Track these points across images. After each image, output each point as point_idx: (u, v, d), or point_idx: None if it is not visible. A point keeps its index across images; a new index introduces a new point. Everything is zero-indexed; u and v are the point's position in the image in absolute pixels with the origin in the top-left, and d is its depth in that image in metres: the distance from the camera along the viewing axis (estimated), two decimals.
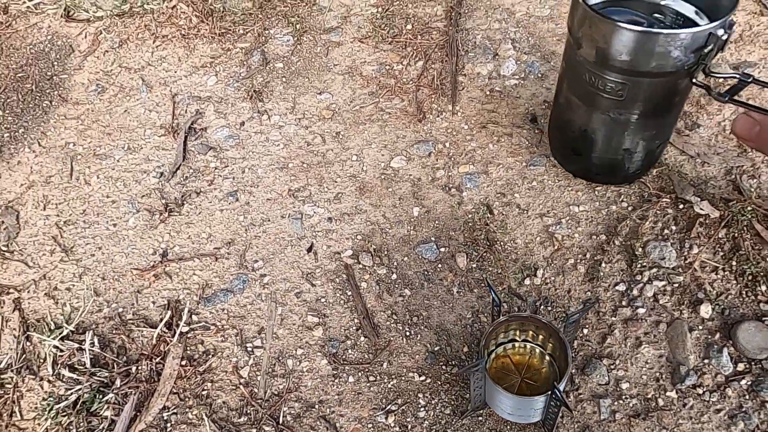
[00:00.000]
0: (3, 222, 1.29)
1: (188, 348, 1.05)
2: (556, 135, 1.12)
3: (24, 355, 1.08)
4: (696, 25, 0.93)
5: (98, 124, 1.46)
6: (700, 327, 0.98)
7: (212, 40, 1.60)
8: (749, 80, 0.84)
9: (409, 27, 1.53)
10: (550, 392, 0.80)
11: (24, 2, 1.77)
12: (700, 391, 0.93)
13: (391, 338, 1.04)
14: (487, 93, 1.36)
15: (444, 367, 1.00)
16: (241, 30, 1.61)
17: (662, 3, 0.97)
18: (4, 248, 1.25)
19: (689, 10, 0.95)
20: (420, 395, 0.98)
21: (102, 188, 1.32)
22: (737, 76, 0.86)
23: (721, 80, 1.25)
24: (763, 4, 1.38)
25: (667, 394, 0.93)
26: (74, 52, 1.65)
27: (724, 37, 0.80)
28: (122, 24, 1.68)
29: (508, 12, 1.52)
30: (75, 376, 1.02)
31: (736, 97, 0.83)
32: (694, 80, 0.87)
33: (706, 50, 0.81)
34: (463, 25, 1.51)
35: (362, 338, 1.04)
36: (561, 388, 0.79)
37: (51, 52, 1.66)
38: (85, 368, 1.03)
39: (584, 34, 0.88)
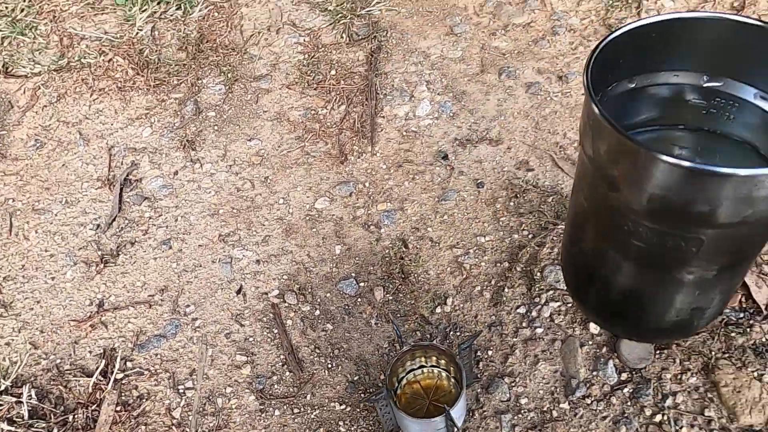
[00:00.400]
0: None
1: (123, 394, 1.11)
2: (583, 288, 0.85)
3: None
4: (762, 111, 0.71)
5: (37, 179, 1.52)
6: (590, 342, 1.09)
7: (147, 92, 1.68)
8: None
9: (333, 73, 1.64)
10: (445, 414, 0.89)
11: None
12: (589, 401, 1.03)
13: (315, 371, 1.12)
14: (404, 133, 1.47)
15: (363, 395, 1.09)
16: (175, 81, 1.70)
17: (705, 85, 0.74)
18: None
19: (748, 93, 0.72)
20: (341, 423, 1.06)
21: (40, 243, 1.38)
22: None
23: None
24: None
25: (561, 405, 1.03)
26: (13, 108, 1.71)
27: None
28: (60, 79, 1.75)
29: (423, 55, 1.63)
30: (13, 428, 1.07)
31: None
32: None
33: None
34: (382, 69, 1.62)
35: (287, 373, 1.12)
36: (453, 412, 0.89)
37: None
38: (24, 421, 1.08)
39: (624, 174, 0.62)
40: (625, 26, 0.68)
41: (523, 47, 1.60)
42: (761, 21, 0.67)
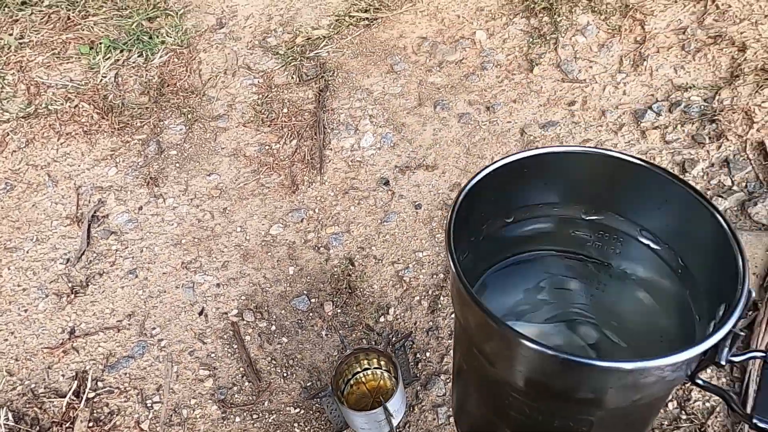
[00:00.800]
0: None
1: (95, 411, 1.21)
2: None
3: None
4: (647, 247, 0.68)
5: (8, 220, 1.62)
6: None
7: (112, 134, 1.80)
8: None
9: (285, 110, 1.79)
10: (382, 406, 1.02)
11: None
12: None
13: (272, 380, 1.24)
14: (349, 163, 1.62)
15: (315, 398, 1.21)
16: (138, 123, 1.82)
17: (586, 218, 0.71)
18: None
19: (632, 229, 0.69)
20: (296, 424, 1.18)
21: (13, 278, 1.47)
22: (758, 355, 0.58)
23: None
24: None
25: None
26: None
27: (737, 331, 0.53)
28: (28, 125, 1.86)
29: (367, 92, 1.80)
30: None
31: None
32: (701, 383, 0.57)
33: (720, 353, 0.53)
34: (329, 105, 1.78)
35: (247, 383, 1.24)
36: (389, 405, 1.02)
37: None
38: None
39: (497, 352, 0.58)
40: (490, 165, 0.64)
41: (455, 82, 1.78)
42: (638, 158, 0.64)
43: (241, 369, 1.26)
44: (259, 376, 1.24)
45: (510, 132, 1.62)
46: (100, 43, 2.10)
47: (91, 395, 1.23)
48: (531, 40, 1.83)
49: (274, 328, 1.32)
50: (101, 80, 1.96)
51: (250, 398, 1.22)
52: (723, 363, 0.52)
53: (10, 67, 2.08)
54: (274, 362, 1.27)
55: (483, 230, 0.70)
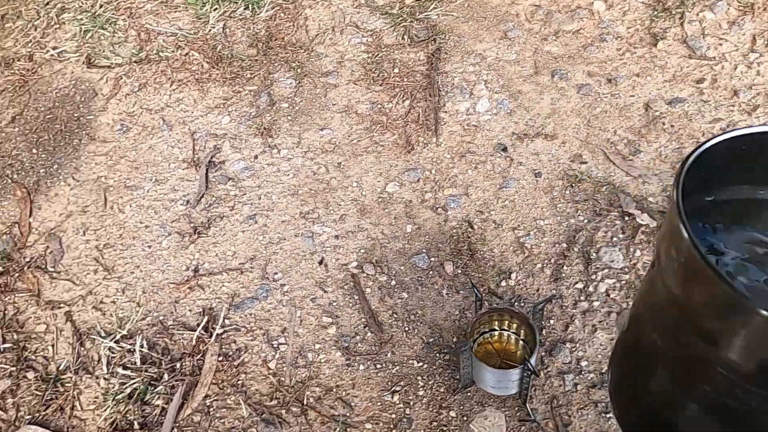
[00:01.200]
0: (48, 247, 1.48)
1: (223, 346, 1.25)
2: (638, 428, 0.74)
3: (80, 359, 1.27)
4: None
5: (126, 160, 1.66)
6: None
7: (223, 84, 1.82)
8: None
9: (396, 71, 1.78)
10: (522, 365, 1.02)
11: (48, 51, 1.97)
12: None
13: (393, 333, 1.25)
14: (465, 127, 1.60)
15: (438, 354, 1.22)
16: (248, 74, 1.84)
17: None
18: (52, 269, 1.43)
19: None
20: (419, 378, 1.19)
21: (135, 215, 1.52)
22: None
23: None
24: None
25: None
26: (97, 96, 1.86)
27: None
28: (140, 70, 1.90)
29: (480, 57, 1.77)
30: (128, 372, 1.21)
31: None
32: None
33: None
34: (442, 68, 1.76)
35: (369, 334, 1.26)
36: (532, 361, 1.02)
37: (76, 95, 1.86)
38: (136, 366, 1.22)
39: (729, 330, 0.52)
40: (718, 136, 0.58)
41: (573, 52, 1.73)
42: None
43: (363, 319, 1.28)
44: (382, 327, 1.26)
45: (633, 106, 1.57)
46: None
47: (220, 332, 1.26)
48: (654, 13, 1.77)
49: (394, 282, 1.33)
50: (210, 31, 1.98)
51: (373, 348, 1.24)
52: None
53: (120, 12, 2.11)
54: (396, 316, 1.28)
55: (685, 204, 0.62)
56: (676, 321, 0.58)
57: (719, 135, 0.59)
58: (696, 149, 0.57)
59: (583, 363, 1.18)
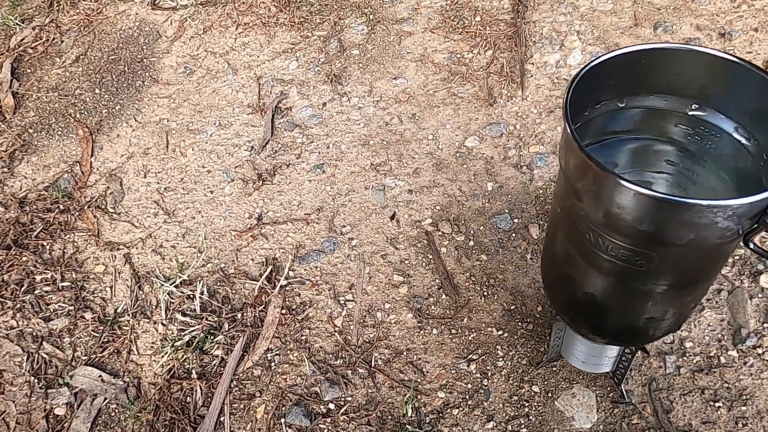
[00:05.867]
0: (109, 188, 1.43)
1: (287, 299, 1.16)
2: (553, 286, 0.89)
3: (138, 302, 1.21)
4: (740, 146, 0.73)
5: (189, 103, 1.59)
6: (760, 295, 1.06)
7: (291, 28, 1.72)
8: None
9: (477, 19, 1.63)
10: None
11: None
12: (761, 351, 1.01)
13: (470, 297, 1.14)
14: (554, 81, 1.45)
15: (520, 323, 1.10)
16: (318, 19, 1.73)
17: (689, 113, 0.76)
18: (112, 210, 1.38)
19: (728, 126, 0.74)
20: (498, 347, 1.08)
21: (197, 159, 1.45)
22: None
23: None
24: None
25: (729, 353, 1.02)
26: (161, 38, 1.78)
27: None
28: (205, 12, 1.81)
29: (572, 6, 1.61)
30: (187, 319, 1.15)
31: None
32: (751, 246, 0.65)
33: (758, 226, 0.61)
34: (529, 17, 1.60)
35: (443, 296, 1.15)
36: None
37: (140, 37, 1.80)
38: (196, 313, 1.15)
39: (585, 188, 0.66)
40: (609, 53, 0.70)
41: (679, 3, 1.55)
42: (738, 57, 0.69)
43: (437, 281, 1.17)
44: (457, 290, 1.15)
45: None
46: None
47: (283, 283, 1.18)
48: None
49: (472, 243, 1.21)
50: None
51: (448, 312, 1.13)
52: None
53: None
54: (473, 279, 1.17)
55: (597, 108, 0.77)
56: (562, 188, 0.73)
57: (602, 55, 0.70)
58: (589, 63, 0.69)
59: (688, 344, 1.04)
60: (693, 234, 0.62)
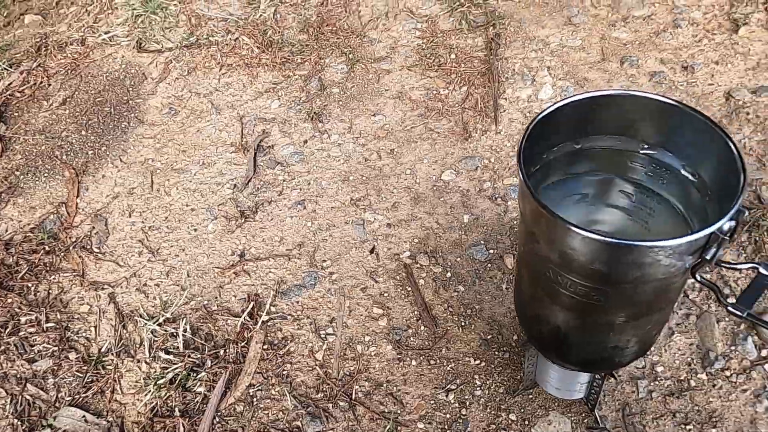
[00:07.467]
0: (94, 227, 1.46)
1: (269, 334, 1.18)
2: (523, 318, 0.94)
3: (122, 341, 1.23)
4: (687, 182, 0.78)
5: (173, 143, 1.63)
6: (727, 319, 1.10)
7: (273, 68, 1.78)
8: None
9: (452, 56, 1.70)
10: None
11: (100, 35, 1.97)
12: (728, 374, 1.04)
13: (448, 328, 1.17)
14: (526, 114, 1.51)
15: (496, 352, 1.13)
16: (299, 59, 1.79)
17: (641, 152, 0.81)
18: (97, 250, 1.40)
19: (676, 163, 0.79)
20: (476, 376, 1.10)
21: (181, 198, 1.48)
22: (757, 266, 0.68)
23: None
24: None
25: (698, 376, 1.05)
26: (147, 79, 1.83)
27: (732, 228, 0.63)
28: (190, 54, 1.87)
29: (543, 43, 1.68)
30: (170, 357, 1.16)
31: (755, 311, 0.65)
32: (698, 278, 0.69)
33: (708, 251, 0.64)
34: (502, 54, 1.67)
35: (422, 327, 1.17)
36: None
37: (125, 79, 1.85)
38: (179, 351, 1.17)
39: (540, 232, 0.71)
40: (558, 103, 0.75)
41: (644, 38, 1.62)
42: (673, 100, 0.74)
43: (416, 312, 1.20)
44: (436, 321, 1.18)
45: (713, 95, 1.45)
46: None
47: (265, 319, 1.20)
48: None
49: (449, 275, 1.24)
50: (260, 16, 1.94)
51: (427, 343, 1.15)
52: (708, 258, 0.65)
53: None
54: (451, 310, 1.19)
55: (554, 151, 0.82)
56: (522, 231, 0.79)
57: (553, 104, 0.75)
58: (536, 116, 0.74)
59: (659, 368, 1.07)
60: (640, 272, 0.66)
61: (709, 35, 1.59)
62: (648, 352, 1.09)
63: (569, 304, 0.76)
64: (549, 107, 0.74)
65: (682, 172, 0.78)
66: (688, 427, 1.00)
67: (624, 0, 1.73)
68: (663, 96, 0.75)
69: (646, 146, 0.80)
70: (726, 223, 0.63)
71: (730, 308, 0.67)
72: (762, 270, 0.68)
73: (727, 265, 0.73)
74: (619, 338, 0.80)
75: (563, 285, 0.74)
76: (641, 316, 0.77)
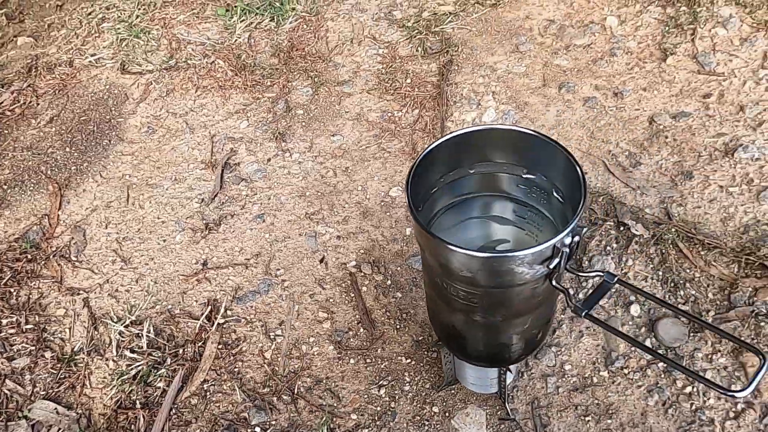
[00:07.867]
0: (73, 238, 1.59)
1: (224, 335, 1.32)
2: (431, 320, 1.08)
3: (93, 341, 1.36)
4: (558, 202, 0.90)
5: (150, 159, 1.77)
6: (630, 323, 1.23)
7: (244, 91, 1.92)
8: (614, 281, 0.78)
9: (408, 81, 1.84)
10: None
11: (87, 57, 2.11)
12: (627, 372, 1.17)
13: (385, 330, 1.30)
14: None
15: (426, 352, 1.26)
16: (269, 82, 1.93)
17: (524, 176, 0.92)
18: (75, 258, 1.54)
19: (549, 186, 0.91)
20: (406, 374, 1.23)
21: (153, 211, 1.62)
22: (601, 274, 0.79)
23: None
24: None
25: (601, 373, 1.18)
26: (128, 99, 1.98)
27: (574, 243, 0.75)
28: (169, 76, 2.01)
29: (491, 69, 1.82)
30: (135, 356, 1.30)
31: (594, 312, 0.77)
32: (554, 283, 0.80)
33: (553, 261, 0.76)
34: (453, 79, 1.81)
35: (362, 330, 1.31)
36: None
37: (109, 99, 1.99)
38: (143, 350, 1.30)
39: (425, 245, 0.84)
40: (441, 138, 0.87)
41: (582, 66, 1.76)
42: (531, 130, 0.87)
43: (357, 316, 1.33)
44: (374, 324, 1.31)
45: (638, 119, 1.59)
46: (236, 6, 2.22)
47: (221, 321, 1.34)
48: (666, 29, 1.78)
49: (389, 282, 1.38)
50: (236, 41, 2.09)
51: (365, 344, 1.28)
52: (553, 268, 0.76)
53: (155, 23, 2.24)
54: (388, 314, 1.33)
55: (450, 175, 0.94)
56: (422, 251, 0.90)
57: (441, 138, 0.87)
58: (426, 148, 0.86)
59: (567, 367, 1.20)
60: (499, 279, 0.79)
61: (640, 63, 1.73)
62: (560, 352, 1.22)
63: (458, 306, 0.89)
64: (432, 144, 0.87)
65: (555, 194, 0.91)
66: (587, 419, 1.13)
67: (568, 29, 1.87)
68: (517, 126, 0.89)
69: (525, 170, 0.93)
70: (566, 238, 0.75)
71: (572, 306, 0.78)
72: (606, 278, 0.80)
73: (581, 274, 0.87)
74: (502, 337, 0.94)
75: (449, 290, 0.86)
76: (516, 317, 0.89)
